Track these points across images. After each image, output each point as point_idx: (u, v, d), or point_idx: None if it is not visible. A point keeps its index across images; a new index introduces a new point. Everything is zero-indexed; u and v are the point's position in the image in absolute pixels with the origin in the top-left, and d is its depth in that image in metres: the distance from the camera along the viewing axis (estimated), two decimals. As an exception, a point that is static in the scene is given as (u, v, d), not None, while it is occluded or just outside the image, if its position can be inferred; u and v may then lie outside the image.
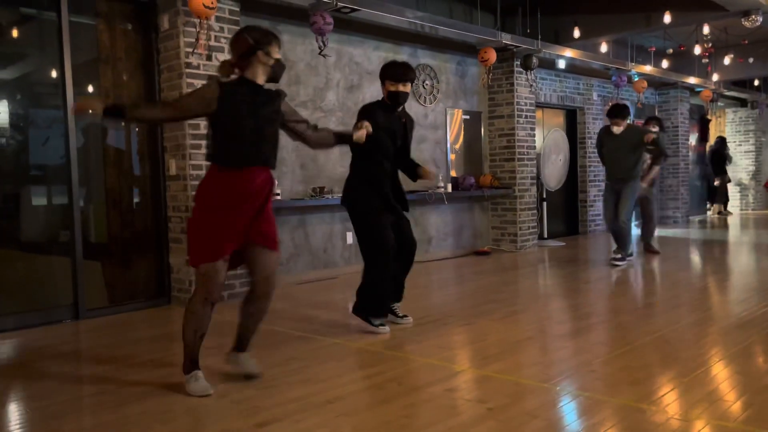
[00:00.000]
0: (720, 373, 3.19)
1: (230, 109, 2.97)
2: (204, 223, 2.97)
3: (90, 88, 5.05)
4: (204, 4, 4.67)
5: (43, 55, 4.95)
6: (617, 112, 6.74)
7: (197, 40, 4.88)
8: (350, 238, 6.70)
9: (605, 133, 6.91)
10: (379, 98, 4.22)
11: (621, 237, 6.67)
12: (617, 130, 6.71)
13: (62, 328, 4.56)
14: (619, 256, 6.64)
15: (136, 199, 5.22)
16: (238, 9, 5.29)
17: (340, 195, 4.30)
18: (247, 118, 2.99)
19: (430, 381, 3.14)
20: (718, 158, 13.30)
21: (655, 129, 7.06)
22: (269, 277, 3.09)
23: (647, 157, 7.12)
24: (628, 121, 6.78)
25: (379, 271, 4.02)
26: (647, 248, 7.51)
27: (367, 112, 4.01)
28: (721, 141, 13.44)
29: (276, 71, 3.12)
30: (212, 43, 5.12)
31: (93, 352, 4.06)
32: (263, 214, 3.06)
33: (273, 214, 3.15)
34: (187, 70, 4.97)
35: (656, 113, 11.92)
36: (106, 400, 3.05)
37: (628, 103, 10.96)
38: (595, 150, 7.43)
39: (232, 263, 3.08)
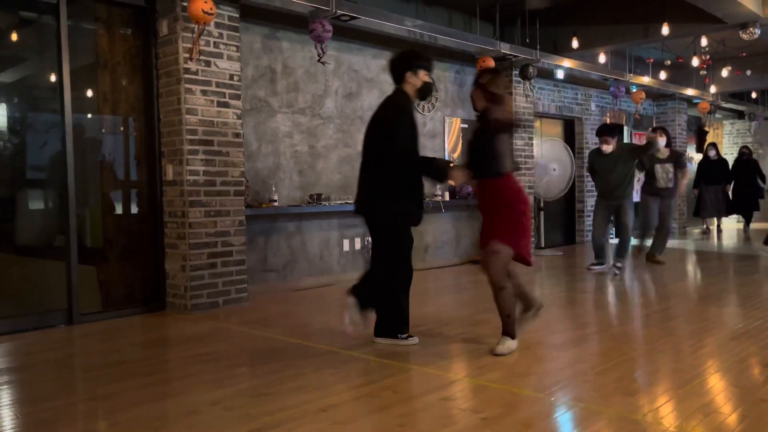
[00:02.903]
0: (716, 385, 3.18)
1: None
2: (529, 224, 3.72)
3: (88, 93, 5.05)
4: (203, 10, 4.68)
5: (41, 60, 4.95)
6: (605, 130, 6.84)
7: (193, 45, 4.89)
8: (347, 245, 6.70)
9: (596, 154, 6.98)
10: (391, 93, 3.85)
11: (622, 245, 6.80)
12: (607, 149, 6.77)
13: (56, 333, 4.54)
14: (620, 265, 6.71)
15: (132, 204, 5.21)
16: (237, 15, 5.30)
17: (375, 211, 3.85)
18: None
19: (425, 390, 3.13)
20: (704, 166, 11.89)
21: (663, 138, 7.08)
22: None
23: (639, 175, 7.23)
24: (619, 138, 6.90)
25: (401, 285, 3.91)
26: (651, 258, 7.40)
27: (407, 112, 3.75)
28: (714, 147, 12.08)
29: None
30: (211, 49, 5.12)
31: (86, 358, 4.04)
32: None
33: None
34: (186, 76, 4.97)
35: (654, 124, 11.95)
36: (99, 406, 3.03)
37: (625, 114, 11.00)
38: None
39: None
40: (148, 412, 2.88)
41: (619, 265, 6.69)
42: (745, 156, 12.13)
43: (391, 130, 3.70)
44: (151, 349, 4.15)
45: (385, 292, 3.89)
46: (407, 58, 3.80)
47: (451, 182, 3.72)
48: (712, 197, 11.77)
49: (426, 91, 3.85)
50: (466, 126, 8.12)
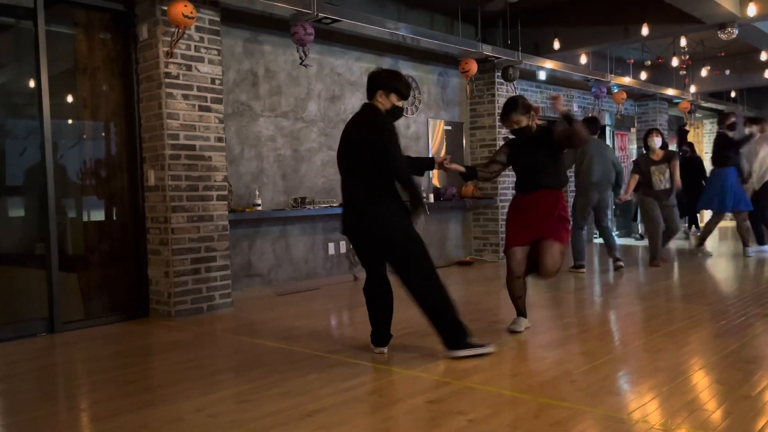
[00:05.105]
0: (700, 382, 3.20)
1: None
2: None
3: (68, 98, 4.99)
4: (183, 14, 4.65)
5: (19, 65, 4.88)
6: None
7: (170, 48, 4.85)
8: (332, 248, 6.67)
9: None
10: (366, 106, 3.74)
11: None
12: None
13: (37, 342, 4.47)
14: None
15: (113, 210, 5.15)
16: (218, 19, 5.26)
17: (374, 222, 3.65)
18: None
19: (411, 393, 3.12)
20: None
21: (658, 139, 7.21)
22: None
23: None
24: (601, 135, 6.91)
25: (442, 288, 3.66)
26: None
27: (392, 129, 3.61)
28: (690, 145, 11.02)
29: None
30: (192, 53, 5.09)
31: (68, 367, 3.99)
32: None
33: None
34: (167, 80, 4.93)
35: (635, 124, 12.05)
36: (81, 415, 2.99)
37: (607, 114, 11.08)
38: (575, 161, 7.42)
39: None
40: (131, 420, 2.84)
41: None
42: (687, 154, 10.65)
43: (385, 144, 3.52)
44: (134, 356, 4.10)
45: (442, 303, 3.63)
46: (385, 77, 3.71)
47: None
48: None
49: (394, 115, 3.74)
50: (449, 128, 8.14)
